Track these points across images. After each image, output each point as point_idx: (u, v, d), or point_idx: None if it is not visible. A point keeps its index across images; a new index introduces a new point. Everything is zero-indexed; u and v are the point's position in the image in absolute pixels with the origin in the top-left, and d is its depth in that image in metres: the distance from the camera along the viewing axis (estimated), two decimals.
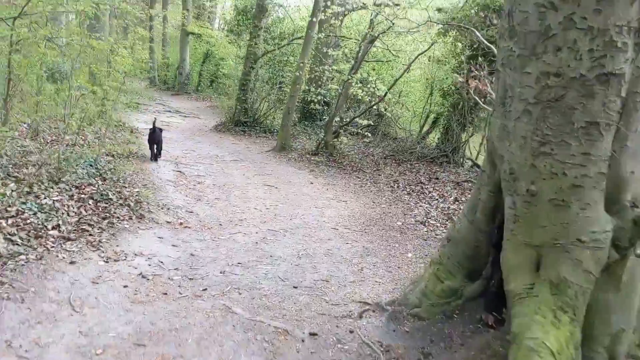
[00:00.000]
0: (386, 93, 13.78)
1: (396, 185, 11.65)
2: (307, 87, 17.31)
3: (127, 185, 8.37)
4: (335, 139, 14.29)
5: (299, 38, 17.14)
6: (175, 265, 6.01)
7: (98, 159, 8.82)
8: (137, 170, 9.77)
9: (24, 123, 10.72)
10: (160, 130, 11.47)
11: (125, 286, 5.26)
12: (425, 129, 16.65)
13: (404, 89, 17.26)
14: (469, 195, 9.98)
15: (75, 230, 6.26)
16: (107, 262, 5.74)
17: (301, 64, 13.67)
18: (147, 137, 11.32)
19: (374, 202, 10.07)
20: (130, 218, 7.11)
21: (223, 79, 28.66)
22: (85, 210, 6.86)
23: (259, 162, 12.97)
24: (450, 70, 14.60)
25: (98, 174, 8.28)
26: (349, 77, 13.56)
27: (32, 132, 10.15)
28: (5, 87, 8.46)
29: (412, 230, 8.32)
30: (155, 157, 11.17)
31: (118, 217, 6.98)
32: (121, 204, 7.37)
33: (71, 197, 7.04)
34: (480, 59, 12.70)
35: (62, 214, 6.45)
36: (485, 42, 8.62)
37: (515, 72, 3.96)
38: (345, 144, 15.25)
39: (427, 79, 16.68)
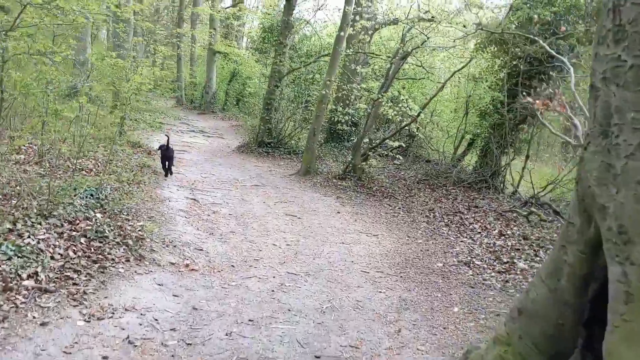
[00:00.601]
0: (419, 113, 12.60)
1: (432, 214, 10.41)
2: (334, 107, 16.24)
3: (130, 218, 7.31)
4: (364, 162, 13.13)
5: (326, 55, 16.10)
6: (172, 324, 4.87)
7: (102, 187, 7.79)
8: (146, 199, 8.74)
9: (33, 145, 9.84)
10: (172, 148, 11.51)
11: (104, 358, 4.14)
12: (460, 150, 15.39)
13: (437, 108, 16.06)
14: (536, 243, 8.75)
15: (57, 278, 5.19)
16: (88, 321, 4.64)
17: (328, 82, 12.59)
18: (159, 155, 11.46)
19: (408, 237, 8.85)
20: (127, 260, 6.03)
21: (249, 98, 27.84)
22: (74, 251, 5.79)
23: (282, 187, 11.87)
24: (488, 88, 13.37)
25: (99, 205, 7.24)
26: (379, 95, 12.43)
27: (37, 156, 9.23)
28: None
29: (455, 274, 7.06)
30: (166, 173, 11.26)
31: (113, 260, 5.90)
32: (118, 243, 6.29)
33: (60, 235, 5.99)
34: (520, 76, 11.49)
35: (45, 257, 5.39)
36: (553, 52, 7.37)
37: (627, 91, 2.77)
38: (375, 167, 14.10)
39: (461, 98, 15.47)
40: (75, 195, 7.16)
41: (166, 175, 11.18)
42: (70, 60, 14.49)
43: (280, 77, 16.46)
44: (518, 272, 7.16)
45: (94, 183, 7.85)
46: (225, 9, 32.67)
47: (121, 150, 12.45)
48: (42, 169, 8.67)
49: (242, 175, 12.75)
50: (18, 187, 7.04)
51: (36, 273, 5.09)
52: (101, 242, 6.15)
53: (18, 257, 5.19)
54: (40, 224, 6.02)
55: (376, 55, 15.72)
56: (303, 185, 12.32)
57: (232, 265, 6.60)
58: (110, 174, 9.35)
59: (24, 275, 4.97)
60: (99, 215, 6.89)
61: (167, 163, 11.23)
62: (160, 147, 11.34)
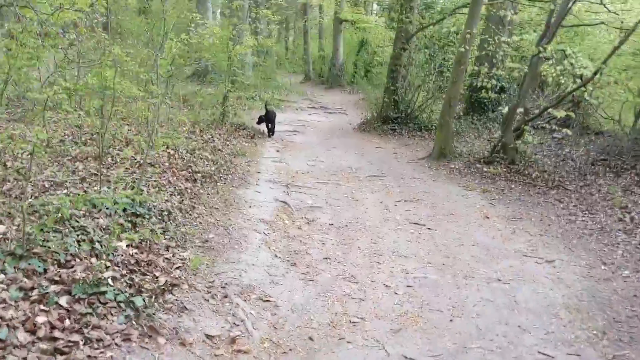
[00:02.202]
0: (598, 71, 8.80)
1: (628, 215, 6.84)
2: (475, 69, 12.74)
3: (174, 245, 4.80)
4: (518, 140, 9.68)
5: (464, 6, 12.58)
6: None
7: (137, 200, 5.33)
8: (217, 205, 6.23)
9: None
10: (273, 112, 12.17)
11: None
12: None
13: (616, 63, 11.94)
14: None
15: None
16: None
17: (467, 35, 9.22)
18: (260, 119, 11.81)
19: (604, 263, 5.45)
20: (128, 338, 3.48)
21: (378, 69, 24.79)
22: (44, 326, 3.35)
23: (408, 177, 8.84)
24: None
25: (130, 224, 4.81)
26: (539, 49, 8.85)
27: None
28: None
29: None
30: (269, 133, 11.85)
31: (100, 340, 3.38)
32: (121, 305, 3.75)
33: (27, 298, 3.57)
34: None
35: None
36: None
37: None
38: (530, 144, 10.57)
39: None
40: (99, 211, 4.78)
41: (269, 136, 11.78)
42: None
43: (407, 37, 13.26)
44: None
45: (112, 197, 5.41)
46: None
47: (217, 136, 10.17)
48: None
49: (358, 162, 9.91)
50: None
51: None
52: (89, 306, 3.64)
53: None
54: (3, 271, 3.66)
55: (531, 0, 11.87)
56: (436, 174, 9.19)
57: (308, 341, 3.81)
58: (181, 170, 6.99)
59: None
60: (121, 244, 4.43)
61: (269, 125, 11.80)
62: (261, 118, 11.79)
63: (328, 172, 8.96)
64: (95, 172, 5.43)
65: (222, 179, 7.33)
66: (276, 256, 5.15)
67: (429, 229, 6.32)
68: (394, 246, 5.69)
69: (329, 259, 5.23)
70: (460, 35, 10.95)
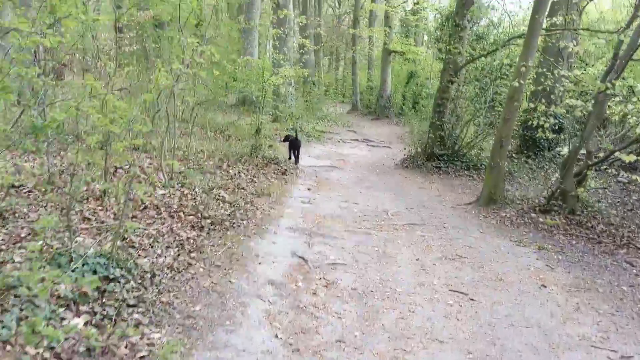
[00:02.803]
0: None
1: None
2: (529, 105, 11.48)
3: (146, 322, 3.83)
4: (579, 186, 8.36)
5: (519, 37, 11.36)
6: None
7: (113, 260, 4.39)
8: (219, 262, 5.25)
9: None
10: (300, 140, 11.90)
11: None
12: None
13: None
14: None
15: None
16: None
17: (522, 68, 8.04)
18: (287, 145, 11.81)
19: None
20: None
21: (426, 101, 23.70)
22: None
23: (450, 227, 7.65)
24: None
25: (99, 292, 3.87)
26: (607, 85, 7.57)
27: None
28: None
29: None
30: (294, 160, 11.61)
31: None
32: None
33: None
34: None
35: None
36: None
37: None
38: (592, 190, 9.25)
39: None
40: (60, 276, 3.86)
41: (290, 159, 11.59)
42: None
43: (455, 69, 12.15)
44: None
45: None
46: (402, 3, 28.83)
47: (245, 171, 9.29)
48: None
49: (396, 205, 8.79)
50: None
51: None
52: None
53: None
54: None
55: (595, 31, 10.56)
56: (483, 223, 7.96)
57: None
58: (188, 215, 6.08)
59: None
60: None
61: (295, 152, 11.59)
62: (288, 137, 11.78)
63: (361, 217, 7.88)
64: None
65: (235, 225, 6.36)
66: (277, 336, 4.09)
67: (472, 299, 5.13)
68: (428, 325, 4.53)
69: (343, 342, 4.13)
70: (514, 68, 9.74)
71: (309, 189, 9.50)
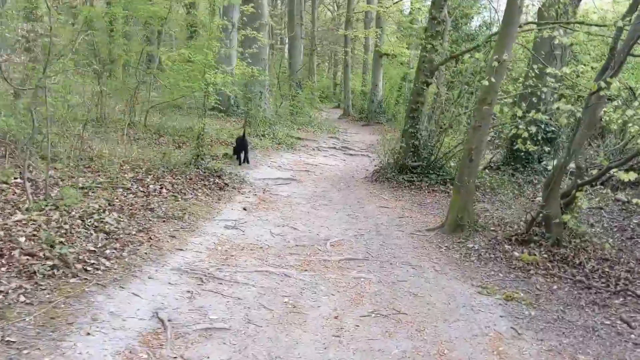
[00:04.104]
0: None
1: None
2: (515, 110, 9.69)
3: None
4: (567, 210, 6.60)
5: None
6: None
7: None
8: (35, 331, 3.55)
9: None
10: (246, 139, 10.93)
11: None
12: None
13: None
14: None
15: None
16: None
17: (495, 63, 6.25)
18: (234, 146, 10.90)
19: None
20: None
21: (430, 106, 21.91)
22: None
23: (400, 264, 5.88)
24: None
25: None
26: (600, 84, 5.77)
27: None
28: None
29: None
30: (243, 160, 10.81)
31: None
32: None
33: None
34: None
35: None
36: None
37: None
38: (583, 211, 7.51)
39: None
40: None
41: (240, 164, 10.70)
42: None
43: (432, 69, 10.39)
44: None
45: None
46: (396, 2, 27.05)
47: (171, 185, 7.64)
48: None
49: (344, 231, 7.06)
50: None
51: None
52: None
53: None
54: None
55: (588, 24, 8.74)
56: (443, 259, 6.18)
57: None
58: (26, 254, 4.39)
59: None
60: None
61: (242, 153, 10.75)
62: (235, 148, 10.92)
63: (290, 248, 6.15)
64: None
65: (93, 267, 4.65)
66: None
67: None
68: None
69: None
70: (486, 64, 7.97)
71: (244, 209, 7.78)
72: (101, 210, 5.93)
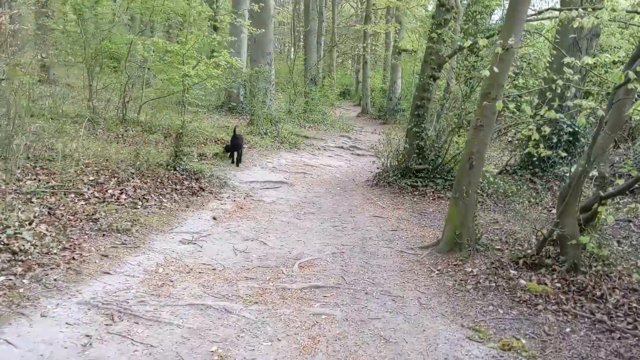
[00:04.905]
0: None
1: None
2: (534, 106, 8.40)
3: None
4: (587, 227, 5.37)
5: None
6: None
7: None
8: None
9: None
10: (241, 138, 10.22)
11: None
12: None
13: None
14: None
15: None
16: None
17: (499, 49, 5.03)
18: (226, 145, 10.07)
19: None
20: None
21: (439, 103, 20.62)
22: None
23: (378, 293, 4.73)
24: None
25: None
26: (628, 74, 4.52)
27: None
28: None
29: None
30: (237, 161, 9.93)
31: None
32: None
33: None
34: None
35: None
36: None
37: None
38: (612, 224, 6.26)
39: None
40: None
41: (233, 162, 9.99)
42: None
43: (439, 62, 9.18)
44: None
45: None
46: None
47: (132, 190, 6.68)
48: None
49: (321, 247, 5.96)
50: None
51: None
52: None
53: None
54: None
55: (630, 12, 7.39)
56: (433, 287, 5.00)
57: None
58: None
59: None
60: None
61: (235, 153, 9.97)
62: (227, 146, 10.15)
63: (249, 270, 5.08)
64: None
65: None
66: None
67: None
68: None
69: None
70: (489, 51, 6.74)
71: (214, 218, 6.74)
72: (26, 222, 4.95)
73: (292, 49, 35.51)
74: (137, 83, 11.11)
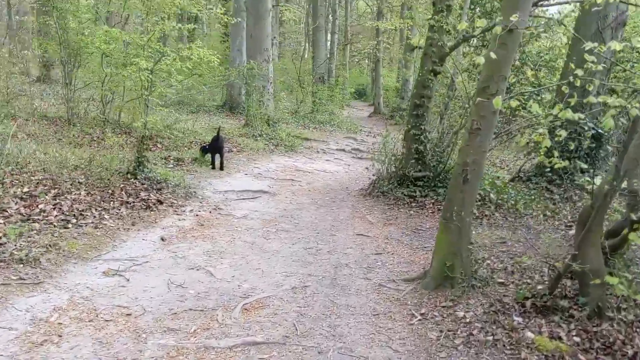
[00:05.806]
0: None
1: None
2: (546, 106, 7.06)
3: None
4: (613, 258, 4.08)
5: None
6: None
7: None
8: None
9: None
10: (222, 140, 9.27)
11: None
12: None
13: None
14: None
15: None
16: None
17: (498, 29, 3.77)
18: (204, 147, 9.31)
19: None
20: None
21: (454, 102, 19.25)
22: None
23: (335, 351, 3.55)
24: None
25: None
26: None
27: None
28: None
29: None
30: (219, 166, 9.15)
31: None
32: None
33: None
34: None
35: None
36: None
37: None
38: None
39: None
40: None
41: (213, 168, 9.11)
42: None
43: (441, 55, 7.90)
44: None
45: None
46: None
47: (75, 202, 5.55)
48: None
49: (284, 278, 4.75)
50: None
51: None
52: None
53: None
54: None
55: None
56: (413, 341, 3.75)
57: None
58: None
59: None
60: None
61: (216, 156, 9.14)
62: (203, 147, 9.39)
63: (173, 317, 3.90)
64: None
65: None
66: None
67: None
68: None
69: None
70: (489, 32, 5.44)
71: (162, 239, 5.59)
72: None
73: (307, 48, 34.30)
74: (115, 81, 10.07)
